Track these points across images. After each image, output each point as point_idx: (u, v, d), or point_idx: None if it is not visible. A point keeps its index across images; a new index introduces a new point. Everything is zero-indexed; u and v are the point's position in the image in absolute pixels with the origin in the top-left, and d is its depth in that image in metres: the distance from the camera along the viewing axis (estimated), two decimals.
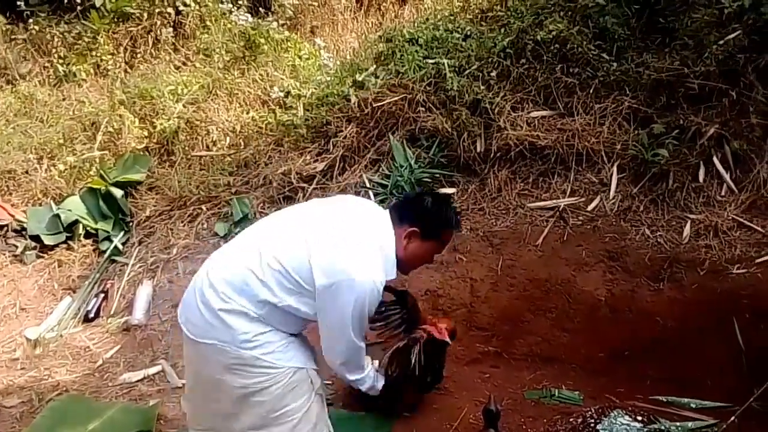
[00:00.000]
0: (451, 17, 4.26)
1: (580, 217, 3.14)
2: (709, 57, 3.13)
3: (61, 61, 5.36)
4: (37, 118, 4.81)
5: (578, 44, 3.45)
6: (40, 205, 4.20)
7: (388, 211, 1.84)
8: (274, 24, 4.98)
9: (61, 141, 4.51)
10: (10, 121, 4.82)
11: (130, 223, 4.10)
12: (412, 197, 1.99)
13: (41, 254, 3.98)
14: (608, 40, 3.48)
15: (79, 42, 5.37)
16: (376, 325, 1.98)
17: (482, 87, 3.58)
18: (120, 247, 3.96)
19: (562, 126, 3.39)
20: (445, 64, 3.72)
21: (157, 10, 5.30)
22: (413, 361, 1.94)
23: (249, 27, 4.87)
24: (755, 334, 2.54)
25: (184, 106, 4.52)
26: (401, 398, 2.42)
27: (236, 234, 3.74)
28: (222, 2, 5.26)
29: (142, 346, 3.29)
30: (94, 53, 5.31)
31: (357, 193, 3.75)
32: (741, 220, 2.87)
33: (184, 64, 5.12)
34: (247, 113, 4.48)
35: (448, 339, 2.12)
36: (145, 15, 5.33)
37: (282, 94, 4.46)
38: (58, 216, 4.03)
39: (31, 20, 5.53)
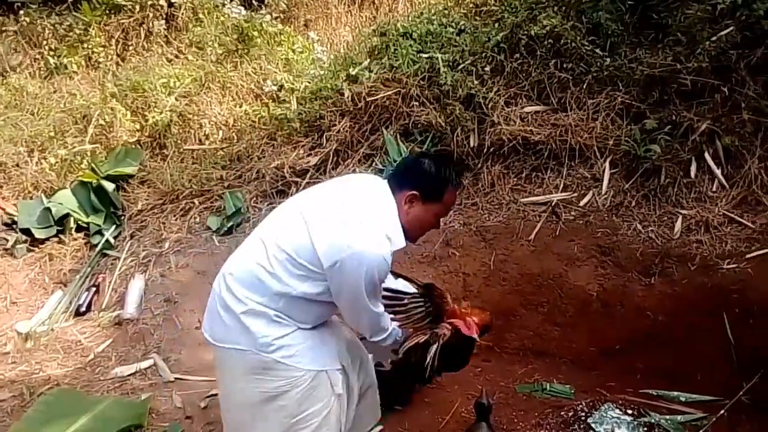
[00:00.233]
0: (445, 11, 4.25)
1: (573, 212, 3.15)
2: (701, 53, 3.14)
3: (52, 53, 5.31)
4: (28, 110, 4.76)
5: (572, 39, 3.45)
6: (31, 198, 4.17)
7: (386, 180, 1.80)
8: (268, 17, 4.95)
9: (52, 134, 4.47)
10: (0, 113, 4.77)
11: (122, 217, 4.08)
12: (410, 161, 1.93)
13: (32, 248, 3.95)
14: (602, 35, 3.48)
15: (71, 34, 5.31)
16: (398, 317, 1.88)
17: (476, 82, 3.58)
18: (111, 240, 3.94)
19: (555, 121, 3.40)
20: (439, 59, 3.71)
21: (149, 2, 5.24)
22: (428, 360, 1.83)
23: (242, 20, 4.84)
24: (745, 328, 2.56)
25: (176, 99, 4.50)
26: (396, 390, 2.41)
27: (229, 229, 3.79)
28: None
29: (134, 340, 3.27)
30: (85, 45, 5.26)
31: None
32: (732, 215, 2.89)
33: (177, 56, 5.08)
34: (240, 107, 4.45)
35: (475, 335, 1.93)
36: (137, 7, 5.27)
37: (275, 88, 4.44)
38: (49, 209, 4.00)
39: (21, 12, 5.48)
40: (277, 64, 4.67)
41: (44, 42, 5.35)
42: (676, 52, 3.24)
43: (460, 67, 3.69)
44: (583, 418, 2.43)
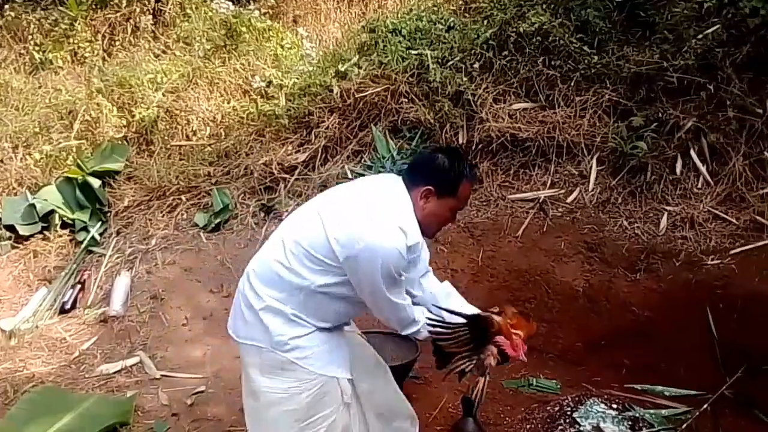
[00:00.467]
0: (435, 8, 4.25)
1: (560, 209, 3.17)
2: (688, 51, 3.17)
3: (37, 48, 5.26)
4: (13, 105, 4.71)
5: (560, 37, 3.47)
6: (15, 194, 4.13)
7: (401, 176, 1.80)
8: (256, 12, 4.91)
9: (37, 129, 4.42)
10: None
11: (108, 214, 4.05)
12: (424, 156, 1.94)
13: (16, 244, 3.91)
14: (590, 33, 3.50)
15: (56, 29, 5.26)
16: (442, 343, 1.84)
17: (465, 78, 3.59)
18: (97, 237, 3.90)
19: (543, 118, 3.41)
20: (428, 55, 3.72)
21: None
22: (476, 393, 1.76)
23: (230, 15, 4.80)
24: (728, 324, 2.58)
25: (163, 95, 4.46)
26: None
27: (216, 225, 3.77)
28: None
29: (119, 337, 3.25)
30: (71, 40, 5.21)
31: (339, 184, 3.73)
32: (716, 212, 2.91)
33: (164, 52, 5.04)
34: (228, 103, 4.43)
35: (523, 357, 1.79)
36: (124, 2, 5.23)
37: (264, 84, 4.42)
38: (33, 206, 3.96)
39: (6, 6, 5.42)
40: (266, 60, 4.64)
41: (29, 37, 5.30)
42: (662, 49, 3.27)
43: (449, 63, 3.69)
44: (568, 412, 2.43)
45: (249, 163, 3.97)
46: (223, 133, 4.29)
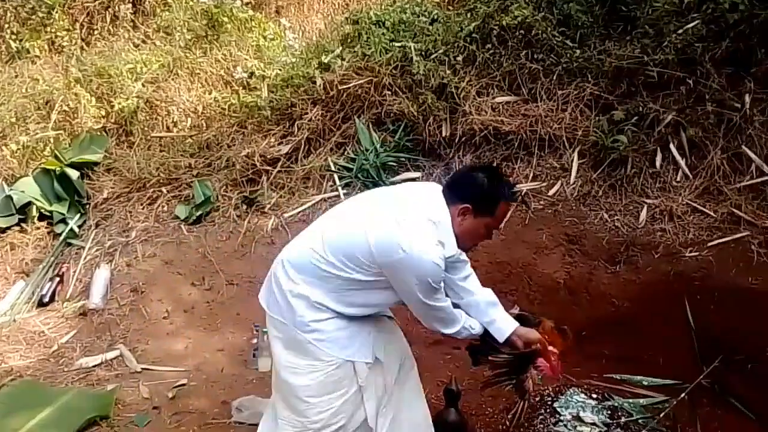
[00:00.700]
0: (418, 0, 4.24)
1: (542, 202, 3.19)
2: (668, 45, 3.20)
3: (13, 36, 5.14)
4: None
5: (543, 30, 3.48)
6: None
7: (442, 189, 1.85)
8: (238, 2, 4.85)
9: (13, 120, 4.33)
10: None
11: (87, 206, 3.98)
12: (464, 174, 1.98)
13: None
14: (572, 27, 3.52)
15: (33, 17, 5.14)
16: (481, 366, 1.88)
17: (448, 71, 3.59)
18: (76, 229, 3.84)
19: (525, 111, 3.43)
20: (412, 48, 3.71)
21: None
22: (514, 412, 1.81)
23: (212, 5, 4.74)
24: (705, 314, 2.63)
25: (143, 86, 4.40)
26: None
27: (197, 218, 3.73)
28: None
29: (99, 330, 3.21)
30: (48, 29, 5.10)
31: (322, 177, 3.72)
32: (695, 205, 2.96)
33: (144, 42, 4.96)
34: (210, 94, 4.37)
35: (559, 376, 1.86)
36: None
37: (246, 75, 4.37)
38: (10, 197, 3.88)
39: None
40: (248, 50, 4.60)
41: (5, 25, 5.18)
42: (643, 44, 3.30)
43: (432, 56, 3.69)
44: (549, 402, 2.47)
45: (231, 154, 3.93)
46: (204, 125, 4.24)
